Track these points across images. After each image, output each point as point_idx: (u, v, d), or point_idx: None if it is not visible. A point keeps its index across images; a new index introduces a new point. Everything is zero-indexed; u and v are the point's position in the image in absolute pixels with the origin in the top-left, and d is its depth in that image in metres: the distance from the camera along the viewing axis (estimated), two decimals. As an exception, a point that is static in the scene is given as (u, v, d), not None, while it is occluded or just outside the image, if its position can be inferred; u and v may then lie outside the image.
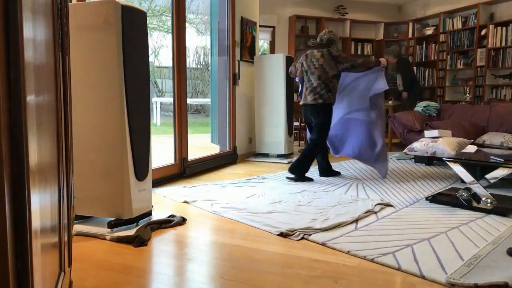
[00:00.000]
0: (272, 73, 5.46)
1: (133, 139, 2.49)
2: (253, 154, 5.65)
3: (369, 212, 2.90)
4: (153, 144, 2.79)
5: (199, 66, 12.15)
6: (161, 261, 2.13)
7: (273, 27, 7.65)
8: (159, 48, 12.15)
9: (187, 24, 4.28)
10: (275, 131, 5.44)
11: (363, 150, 4.05)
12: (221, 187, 3.75)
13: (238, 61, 5.23)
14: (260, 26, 6.37)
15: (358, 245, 2.28)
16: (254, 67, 5.56)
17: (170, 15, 4.05)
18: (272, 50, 7.71)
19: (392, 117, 5.63)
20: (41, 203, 0.98)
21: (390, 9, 8.55)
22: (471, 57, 6.94)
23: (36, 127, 0.91)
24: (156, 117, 9.89)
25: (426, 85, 7.79)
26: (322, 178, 4.17)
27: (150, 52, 2.67)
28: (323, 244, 2.32)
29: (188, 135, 4.22)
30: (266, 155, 5.51)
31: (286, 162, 5.17)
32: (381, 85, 3.91)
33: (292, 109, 5.54)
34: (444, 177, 4.26)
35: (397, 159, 5.41)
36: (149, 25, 2.21)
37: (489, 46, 6.50)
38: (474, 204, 3.05)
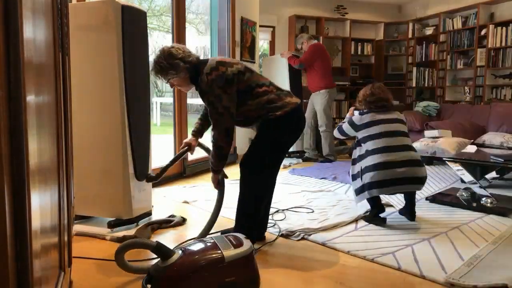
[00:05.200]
0: (278, 73, 5.51)
1: (133, 139, 2.48)
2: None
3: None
4: (153, 144, 2.78)
5: (199, 66, 12.11)
6: (161, 261, 2.12)
7: (273, 27, 7.65)
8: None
9: (187, 24, 4.28)
10: None
11: None
12: (221, 187, 3.74)
13: (238, 61, 5.23)
14: (260, 26, 6.37)
15: (358, 245, 2.28)
16: (262, 68, 5.69)
17: (170, 15, 4.05)
18: (272, 50, 7.71)
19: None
20: (41, 203, 0.98)
21: (390, 9, 8.55)
22: (471, 57, 6.94)
23: (36, 127, 0.91)
24: (156, 117, 9.88)
25: (426, 85, 7.78)
26: (321, 179, 4.17)
27: (150, 52, 2.67)
28: (323, 244, 2.32)
29: (188, 135, 4.21)
30: None
31: (287, 164, 5.13)
32: None
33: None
34: (444, 177, 4.26)
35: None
36: (149, 25, 2.20)
37: (489, 46, 6.50)
38: (474, 204, 3.05)
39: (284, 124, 2.21)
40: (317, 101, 5.09)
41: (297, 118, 2.28)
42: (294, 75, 5.41)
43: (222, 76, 2.11)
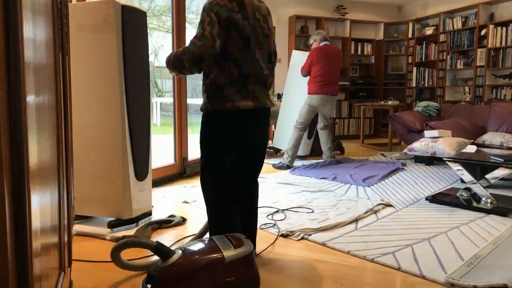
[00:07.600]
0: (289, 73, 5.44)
1: (133, 139, 2.49)
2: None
3: (369, 212, 2.90)
4: (153, 144, 2.79)
5: (199, 66, 12.10)
6: (161, 261, 2.12)
7: (273, 27, 7.65)
8: (159, 48, 12.12)
9: (187, 24, 4.27)
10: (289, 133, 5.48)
11: None
12: (221, 187, 3.74)
13: (238, 61, 5.22)
14: (260, 26, 6.36)
15: (358, 245, 2.28)
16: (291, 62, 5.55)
17: (170, 15, 4.05)
18: (272, 50, 7.70)
19: (392, 117, 5.62)
20: (41, 203, 0.98)
21: (390, 9, 8.55)
22: (471, 57, 6.94)
23: (36, 127, 0.91)
24: (156, 117, 9.88)
25: (426, 85, 7.78)
26: (321, 179, 4.17)
27: (150, 52, 2.67)
28: (323, 244, 2.32)
29: (188, 135, 4.22)
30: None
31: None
32: None
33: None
34: (444, 177, 4.26)
35: (397, 159, 5.40)
36: (149, 25, 2.21)
37: (489, 46, 6.50)
38: (474, 204, 3.05)
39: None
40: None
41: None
42: None
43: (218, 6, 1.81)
